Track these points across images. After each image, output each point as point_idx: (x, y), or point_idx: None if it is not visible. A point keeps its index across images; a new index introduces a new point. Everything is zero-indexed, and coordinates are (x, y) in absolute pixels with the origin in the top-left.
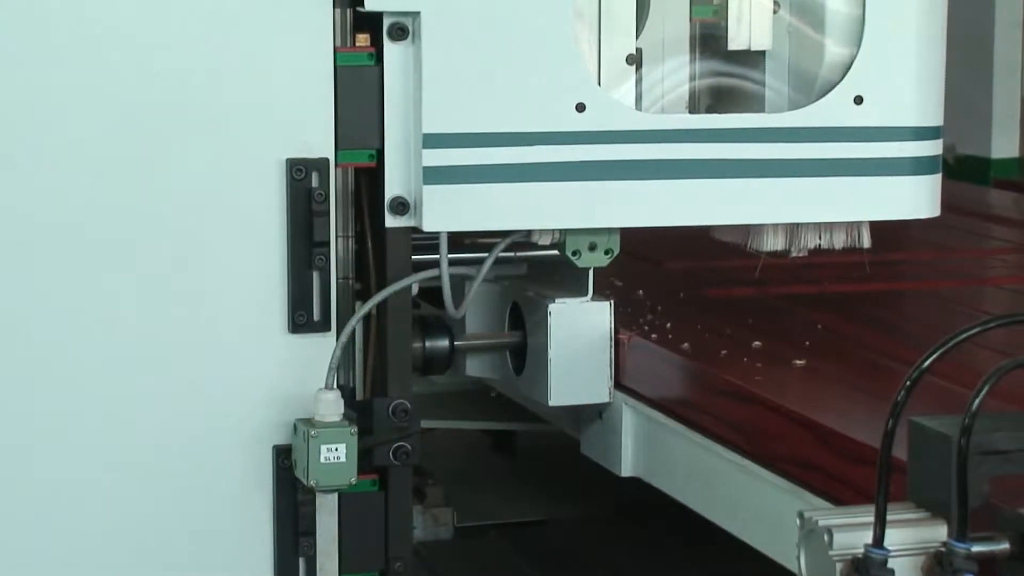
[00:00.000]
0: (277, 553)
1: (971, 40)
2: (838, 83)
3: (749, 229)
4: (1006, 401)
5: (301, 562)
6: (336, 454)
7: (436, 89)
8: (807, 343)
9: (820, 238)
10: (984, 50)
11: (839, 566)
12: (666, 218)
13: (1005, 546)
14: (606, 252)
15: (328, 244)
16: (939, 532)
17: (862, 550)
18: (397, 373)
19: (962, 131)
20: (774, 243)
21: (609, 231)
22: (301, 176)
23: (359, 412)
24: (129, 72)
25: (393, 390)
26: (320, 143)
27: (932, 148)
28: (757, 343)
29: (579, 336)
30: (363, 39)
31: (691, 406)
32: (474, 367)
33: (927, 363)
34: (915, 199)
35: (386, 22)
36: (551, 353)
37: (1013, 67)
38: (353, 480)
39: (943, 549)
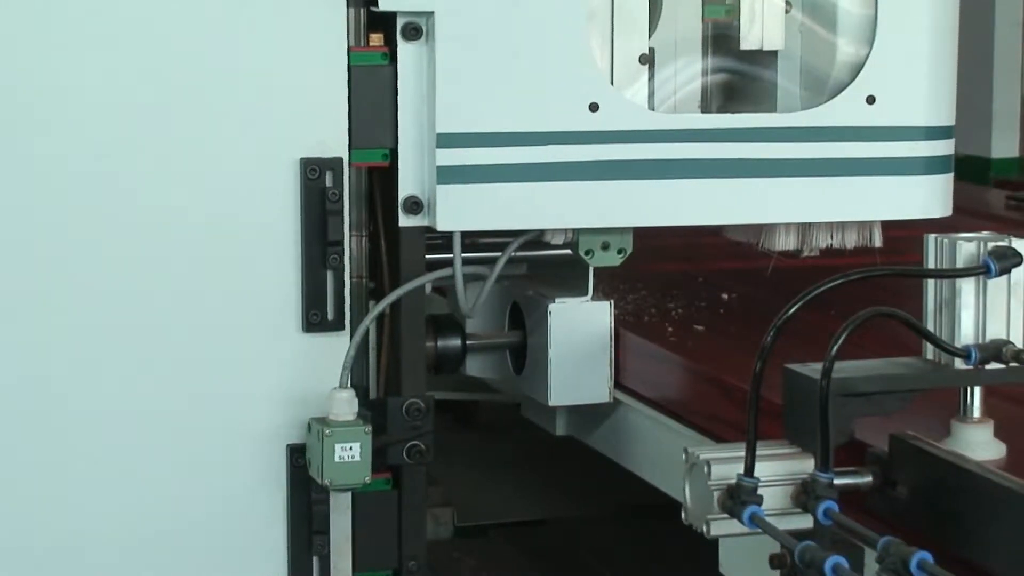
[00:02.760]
0: (291, 552)
1: (971, 40)
2: (850, 83)
3: (761, 228)
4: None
5: (315, 561)
6: (350, 453)
7: (450, 89)
8: (721, 311)
9: (832, 237)
10: (984, 50)
11: (716, 494)
12: (679, 218)
13: (868, 479)
14: (619, 252)
15: (342, 243)
16: (807, 465)
17: (735, 479)
18: (411, 372)
19: (962, 131)
20: (786, 242)
21: (622, 230)
22: (315, 175)
23: (373, 411)
24: (142, 72)
25: (407, 389)
26: (334, 142)
27: (944, 148)
28: (678, 310)
29: (579, 336)
30: (377, 39)
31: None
32: (474, 367)
33: (792, 311)
34: (927, 199)
35: (400, 22)
36: (551, 353)
37: (1013, 67)
38: (367, 479)
39: (809, 479)
